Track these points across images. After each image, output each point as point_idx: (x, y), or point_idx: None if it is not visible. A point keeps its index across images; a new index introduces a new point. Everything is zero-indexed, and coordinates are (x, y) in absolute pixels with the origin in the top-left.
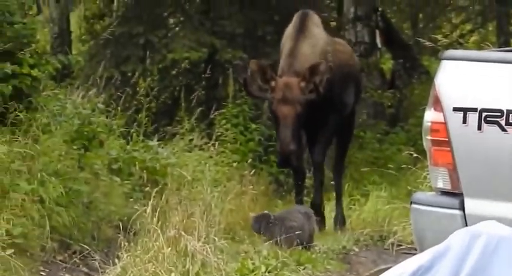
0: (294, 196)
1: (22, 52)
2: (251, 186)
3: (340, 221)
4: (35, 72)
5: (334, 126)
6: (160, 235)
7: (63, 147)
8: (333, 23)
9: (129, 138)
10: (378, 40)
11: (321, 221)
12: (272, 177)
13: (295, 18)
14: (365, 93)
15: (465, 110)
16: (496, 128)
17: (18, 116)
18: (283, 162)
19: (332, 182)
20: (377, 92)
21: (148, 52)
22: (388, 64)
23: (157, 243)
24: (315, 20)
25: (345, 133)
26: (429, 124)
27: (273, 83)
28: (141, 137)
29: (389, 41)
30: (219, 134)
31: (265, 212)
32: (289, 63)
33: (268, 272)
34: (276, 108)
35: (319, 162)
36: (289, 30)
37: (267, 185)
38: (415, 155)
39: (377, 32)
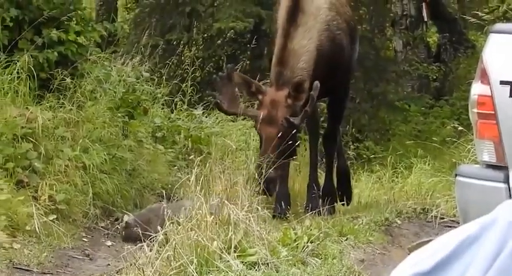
0: None
1: (68, 19)
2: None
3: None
4: (80, 39)
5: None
6: (204, 203)
7: (107, 114)
8: None
9: (174, 107)
10: (425, 13)
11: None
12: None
13: None
14: (410, 66)
15: None
16: None
17: (64, 81)
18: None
19: None
20: (422, 65)
21: (194, 21)
22: (434, 38)
23: (200, 211)
24: None
25: (344, 94)
26: (476, 97)
27: (260, 97)
28: (186, 106)
29: (435, 15)
30: None
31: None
32: (277, 73)
33: (311, 242)
34: (260, 128)
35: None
36: (280, 15)
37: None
38: (459, 128)
39: (423, 5)
